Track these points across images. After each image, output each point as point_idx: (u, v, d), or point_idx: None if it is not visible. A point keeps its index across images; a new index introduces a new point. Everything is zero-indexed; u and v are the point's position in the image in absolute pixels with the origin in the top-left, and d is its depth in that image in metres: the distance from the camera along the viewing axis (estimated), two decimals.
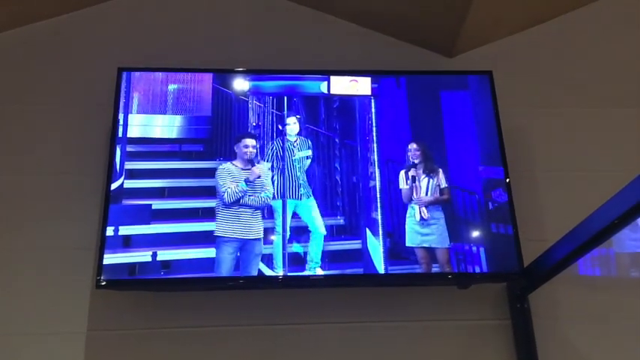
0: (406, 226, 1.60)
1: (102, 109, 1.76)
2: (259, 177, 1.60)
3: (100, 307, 1.59)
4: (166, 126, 1.66)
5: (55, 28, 1.98)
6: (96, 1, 2.02)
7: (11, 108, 1.84)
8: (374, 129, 1.70)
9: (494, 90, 1.74)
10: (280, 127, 1.67)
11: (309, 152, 1.65)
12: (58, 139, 1.80)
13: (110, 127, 1.64)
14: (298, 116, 1.69)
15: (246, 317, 1.61)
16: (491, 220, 1.60)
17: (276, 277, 1.53)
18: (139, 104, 1.67)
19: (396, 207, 1.62)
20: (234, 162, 1.62)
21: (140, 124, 1.65)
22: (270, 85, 1.73)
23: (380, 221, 1.61)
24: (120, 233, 1.52)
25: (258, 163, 1.62)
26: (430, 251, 1.58)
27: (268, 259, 1.54)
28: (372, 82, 1.74)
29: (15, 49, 1.94)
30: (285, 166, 1.63)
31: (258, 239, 1.55)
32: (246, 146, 1.63)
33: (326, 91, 1.73)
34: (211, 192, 1.59)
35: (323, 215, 1.60)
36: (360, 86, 1.74)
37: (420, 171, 1.65)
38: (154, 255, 1.51)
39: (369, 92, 1.74)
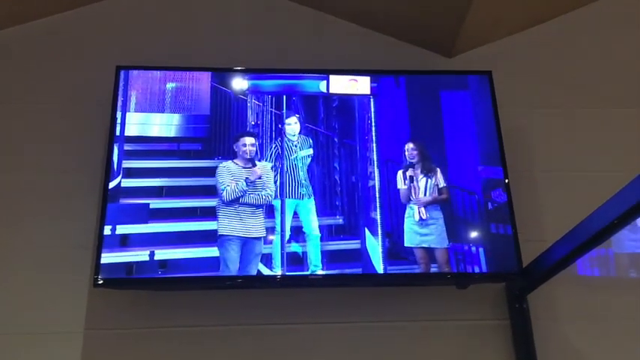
0: (405, 226, 1.60)
1: (100, 108, 1.75)
2: (260, 177, 1.60)
3: (97, 306, 1.58)
4: (164, 125, 1.66)
5: (53, 26, 1.98)
6: None
7: (8, 106, 1.83)
8: (373, 128, 1.69)
9: (493, 90, 1.74)
10: (281, 126, 1.66)
11: (311, 151, 1.65)
12: (55, 137, 1.79)
13: (108, 125, 1.63)
14: (297, 115, 1.68)
15: (244, 317, 1.60)
16: (490, 220, 1.60)
17: (274, 277, 1.53)
18: (137, 103, 1.66)
19: (395, 207, 1.62)
20: (235, 160, 1.62)
21: (138, 123, 1.65)
22: (269, 84, 1.73)
23: (379, 221, 1.60)
24: (117, 232, 1.51)
25: (259, 161, 1.62)
26: (429, 251, 1.57)
27: (267, 259, 1.54)
28: (372, 82, 1.74)
29: (13, 47, 1.93)
30: (287, 166, 1.63)
31: (259, 238, 1.55)
32: (245, 145, 1.62)
33: (325, 91, 1.72)
34: (209, 191, 1.58)
35: (322, 215, 1.60)
36: (360, 85, 1.74)
37: (418, 171, 1.64)
38: (152, 254, 1.50)
39: (368, 92, 1.73)
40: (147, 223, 1.54)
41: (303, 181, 1.62)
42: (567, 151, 1.85)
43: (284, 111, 1.69)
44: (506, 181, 1.63)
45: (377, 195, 1.62)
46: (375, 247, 1.57)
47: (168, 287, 1.59)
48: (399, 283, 1.64)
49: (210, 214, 1.55)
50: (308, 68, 1.77)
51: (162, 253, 1.51)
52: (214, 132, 1.66)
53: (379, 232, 1.59)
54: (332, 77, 1.73)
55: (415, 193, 1.62)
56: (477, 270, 1.55)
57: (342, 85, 1.73)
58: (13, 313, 1.57)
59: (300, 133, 1.67)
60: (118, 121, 1.62)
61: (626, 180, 1.06)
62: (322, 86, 1.73)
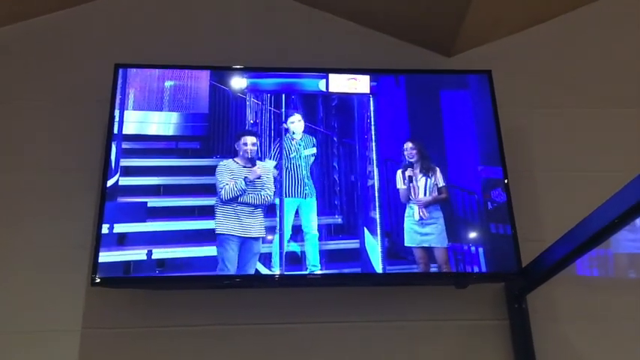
0: (405, 226, 1.59)
1: (98, 106, 1.74)
2: (259, 177, 1.59)
3: (95, 305, 1.58)
4: (162, 123, 1.65)
5: (51, 24, 1.97)
6: None
7: (6, 104, 1.83)
8: (372, 127, 1.69)
9: (493, 90, 1.73)
10: (285, 124, 1.65)
11: (314, 150, 1.65)
12: (52, 135, 1.78)
13: (106, 124, 1.62)
14: (301, 114, 1.68)
15: (242, 316, 1.60)
16: (490, 220, 1.59)
17: (272, 276, 1.52)
18: (135, 101, 1.66)
19: (395, 206, 1.61)
20: (235, 159, 1.61)
21: (136, 121, 1.64)
22: (268, 82, 1.72)
23: (378, 220, 1.60)
24: (115, 231, 1.51)
25: (259, 160, 1.61)
26: (429, 251, 1.57)
27: (267, 258, 1.53)
28: (371, 81, 1.73)
29: (11, 45, 1.93)
30: (290, 164, 1.62)
31: (258, 238, 1.54)
32: (246, 144, 1.62)
33: (324, 89, 1.72)
34: (208, 190, 1.57)
35: (321, 214, 1.59)
36: (359, 84, 1.73)
37: (417, 170, 1.64)
38: (150, 253, 1.50)
39: (367, 90, 1.73)
40: (145, 221, 1.53)
41: (306, 180, 1.61)
42: (567, 150, 1.84)
43: (283, 110, 1.69)
44: (506, 181, 1.62)
45: (376, 194, 1.62)
46: (374, 246, 1.57)
47: (166, 286, 1.58)
48: (398, 283, 1.63)
49: (208, 213, 1.55)
50: (307, 67, 1.76)
51: (160, 252, 1.50)
52: (213, 130, 1.65)
53: (378, 231, 1.58)
54: (331, 76, 1.72)
55: (415, 193, 1.61)
56: (476, 270, 1.55)
57: (341, 83, 1.72)
58: (10, 311, 1.56)
59: (303, 132, 1.66)
60: (116, 119, 1.62)
61: (626, 180, 1.05)
62: (321, 85, 1.72)
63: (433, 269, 1.55)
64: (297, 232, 1.56)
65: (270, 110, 1.68)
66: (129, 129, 1.62)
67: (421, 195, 1.61)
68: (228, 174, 1.58)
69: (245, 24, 2.02)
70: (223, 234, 1.53)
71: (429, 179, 1.63)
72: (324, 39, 2.02)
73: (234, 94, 1.69)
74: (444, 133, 1.69)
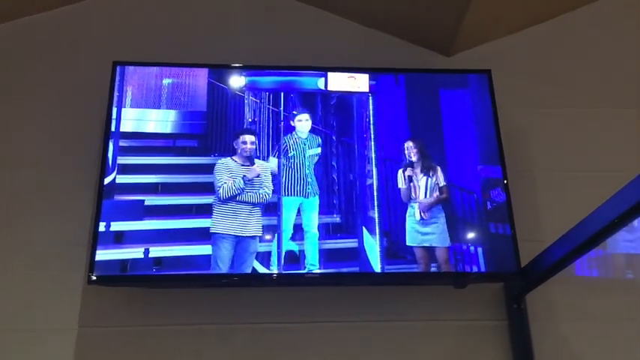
0: (407, 226, 1.58)
1: (96, 104, 1.73)
2: (258, 176, 1.58)
3: (91, 303, 1.57)
4: (160, 121, 1.64)
5: (50, 21, 1.96)
6: None
7: (3, 101, 1.81)
8: (371, 126, 1.68)
9: (492, 89, 1.73)
10: (292, 122, 1.65)
11: (319, 150, 1.64)
12: (49, 133, 1.77)
13: (103, 121, 1.62)
14: (309, 113, 1.67)
15: (240, 315, 1.59)
16: (489, 219, 1.59)
17: (270, 275, 1.51)
18: (133, 98, 1.65)
19: (394, 205, 1.61)
20: (233, 157, 1.61)
21: (134, 119, 1.63)
22: (266, 80, 1.71)
23: (377, 220, 1.59)
24: (112, 229, 1.50)
25: (258, 159, 1.60)
26: (430, 250, 1.56)
27: (266, 258, 1.52)
28: (370, 79, 1.72)
29: (9, 42, 1.92)
30: (293, 163, 1.61)
31: (254, 237, 1.53)
32: (245, 142, 1.61)
33: (323, 88, 1.71)
34: (206, 188, 1.57)
35: (320, 213, 1.58)
36: (358, 83, 1.72)
37: (418, 170, 1.63)
38: (147, 251, 1.49)
39: (366, 89, 1.72)
40: (142, 220, 1.52)
41: (309, 179, 1.61)
42: (566, 150, 1.84)
43: (281, 108, 1.68)
44: (505, 181, 1.62)
45: (375, 194, 1.61)
46: (372, 245, 1.56)
47: (163, 285, 1.58)
48: (397, 283, 1.63)
49: (206, 211, 1.54)
50: (306, 65, 1.75)
51: (157, 251, 1.49)
52: (211, 129, 1.65)
53: (377, 231, 1.58)
54: (330, 74, 1.72)
55: (415, 193, 1.61)
56: (475, 270, 1.54)
57: (340, 82, 1.72)
58: (6, 310, 1.55)
59: (309, 132, 1.65)
60: (114, 116, 1.61)
61: (625, 180, 1.05)
62: (320, 83, 1.71)
63: (433, 269, 1.54)
64: (298, 231, 1.56)
65: (268, 108, 1.67)
66: (126, 127, 1.61)
67: (422, 194, 1.61)
68: (227, 172, 1.58)
69: (245, 23, 2.01)
70: (218, 233, 1.52)
71: (429, 179, 1.62)
72: (324, 38, 2.01)
73: (233, 92, 1.68)
74: (443, 132, 1.68)
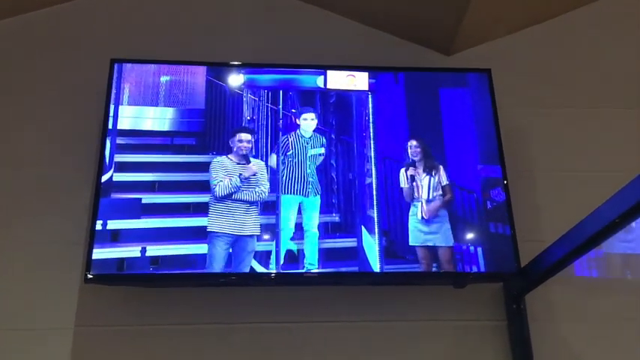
0: (409, 225, 1.58)
1: (94, 101, 1.72)
2: (255, 174, 1.57)
3: (88, 302, 1.56)
4: (158, 118, 1.63)
5: (49, 18, 1.95)
6: None
7: (0, 100, 1.80)
8: (371, 125, 1.67)
9: (492, 89, 1.72)
10: (298, 120, 1.64)
11: (322, 150, 1.63)
12: (47, 131, 1.76)
13: (100, 119, 1.60)
14: (315, 113, 1.66)
15: (238, 315, 1.58)
16: (489, 219, 1.58)
17: (268, 274, 1.50)
18: (131, 96, 1.64)
19: (393, 205, 1.60)
20: (229, 156, 1.60)
21: (131, 116, 1.62)
22: (265, 78, 1.70)
23: (376, 219, 1.58)
24: (108, 227, 1.49)
25: (254, 157, 1.59)
26: (432, 250, 1.55)
27: (265, 257, 1.51)
28: (370, 78, 1.72)
29: (7, 39, 1.90)
30: (293, 162, 1.60)
31: (252, 236, 1.52)
32: (241, 141, 1.60)
33: (322, 86, 1.70)
34: (203, 186, 1.56)
35: (321, 212, 1.57)
36: (357, 81, 1.72)
37: (420, 169, 1.63)
38: (143, 250, 1.48)
39: (366, 88, 1.71)
40: (139, 218, 1.51)
41: (310, 179, 1.60)
42: (566, 150, 1.83)
43: (280, 106, 1.67)
44: (505, 181, 1.61)
45: (374, 193, 1.60)
46: (371, 245, 1.55)
47: (160, 284, 1.56)
48: (396, 282, 1.62)
49: (203, 210, 1.53)
50: (304, 63, 1.75)
51: (154, 249, 1.48)
52: (209, 127, 1.63)
53: (376, 230, 1.57)
54: (329, 72, 1.71)
55: (418, 192, 1.60)
56: (475, 269, 1.54)
57: (339, 80, 1.71)
58: (2, 308, 1.54)
59: (314, 131, 1.64)
60: (111, 114, 1.60)
61: (625, 180, 1.04)
62: (319, 81, 1.71)
63: (435, 269, 1.53)
64: (298, 230, 1.55)
65: (267, 106, 1.67)
66: (124, 124, 1.60)
67: (424, 193, 1.60)
68: (222, 171, 1.57)
69: (244, 22, 2.01)
70: (214, 232, 1.51)
71: (432, 178, 1.61)
72: (324, 37, 2.01)
73: (231, 90, 1.67)
74: (443, 131, 1.68)
